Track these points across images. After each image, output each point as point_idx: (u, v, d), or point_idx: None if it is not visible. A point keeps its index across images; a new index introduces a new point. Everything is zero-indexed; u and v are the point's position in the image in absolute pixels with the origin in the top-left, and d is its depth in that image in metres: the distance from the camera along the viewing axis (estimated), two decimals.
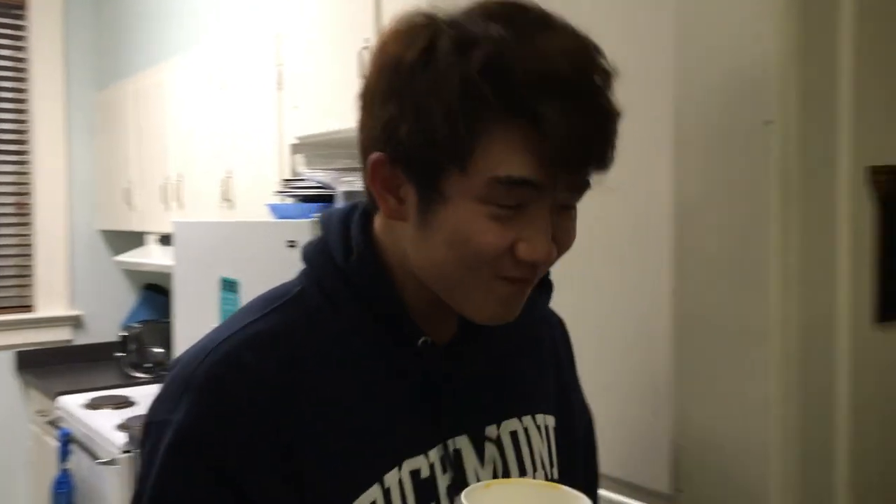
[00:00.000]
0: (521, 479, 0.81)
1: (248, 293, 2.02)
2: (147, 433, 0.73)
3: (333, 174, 2.03)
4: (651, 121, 1.14)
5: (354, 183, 1.97)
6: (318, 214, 0.81)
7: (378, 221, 0.78)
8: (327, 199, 2.02)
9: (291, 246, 1.84)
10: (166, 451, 0.70)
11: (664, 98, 1.13)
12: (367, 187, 0.74)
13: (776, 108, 1.01)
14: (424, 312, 0.76)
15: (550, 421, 0.88)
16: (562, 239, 0.71)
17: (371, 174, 0.71)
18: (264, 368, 0.71)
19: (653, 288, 1.17)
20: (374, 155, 0.70)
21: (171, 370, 0.75)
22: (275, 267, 1.89)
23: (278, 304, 0.77)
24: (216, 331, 0.76)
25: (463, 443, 0.78)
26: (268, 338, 0.73)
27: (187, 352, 0.75)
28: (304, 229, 1.83)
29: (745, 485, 1.05)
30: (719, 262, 1.06)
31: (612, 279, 1.24)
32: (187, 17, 3.43)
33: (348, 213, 0.79)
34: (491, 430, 0.81)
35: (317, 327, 0.75)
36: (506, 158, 0.65)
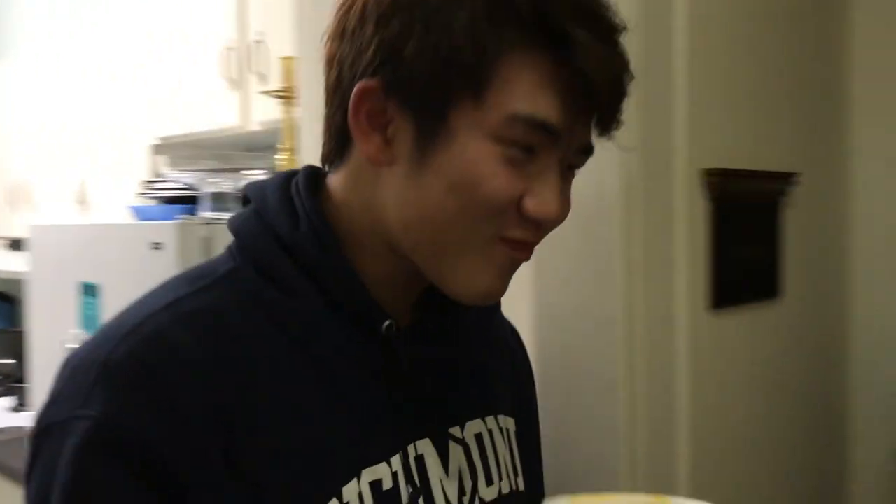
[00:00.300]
0: (616, 495, 0.71)
1: (111, 297, 1.97)
2: (42, 442, 0.57)
3: (199, 175, 2.01)
4: None
5: (221, 184, 1.96)
6: (242, 187, 0.70)
7: (335, 180, 0.66)
8: (191, 201, 2.00)
9: (156, 248, 1.82)
10: (78, 454, 0.54)
11: None
12: (341, 127, 0.62)
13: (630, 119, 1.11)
14: (384, 291, 0.65)
15: (510, 423, 0.78)
16: (563, 204, 0.62)
17: (355, 106, 0.60)
18: (203, 351, 0.58)
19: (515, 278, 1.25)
20: (363, 82, 0.59)
21: (66, 365, 0.60)
22: (138, 270, 1.86)
23: (205, 283, 0.63)
24: (124, 314, 0.61)
25: (425, 448, 0.67)
26: (204, 317, 0.60)
27: (88, 341, 0.61)
28: (169, 231, 1.81)
29: (596, 457, 1.13)
30: (573, 257, 1.15)
31: None
32: (38, 8, 3.27)
33: (286, 178, 0.67)
34: (455, 432, 0.70)
35: (257, 310, 0.61)
36: (529, 94, 0.57)
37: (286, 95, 1.62)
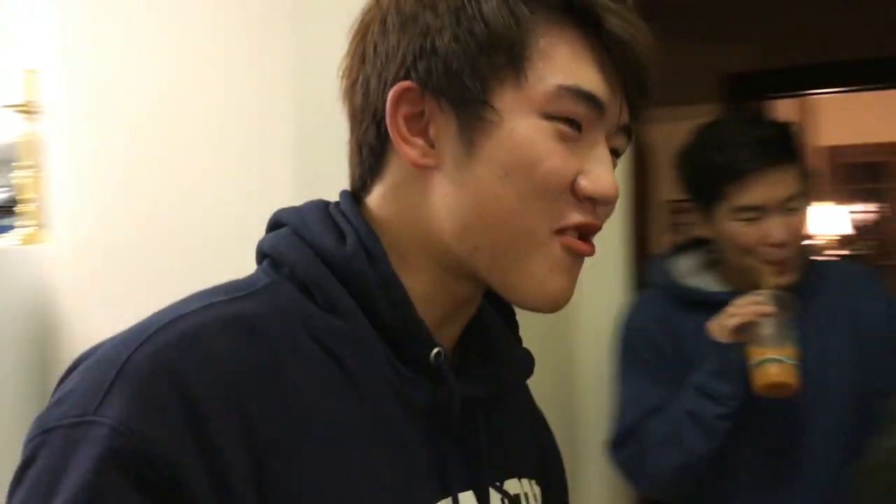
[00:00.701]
0: None
1: None
2: (41, 445, 0.48)
3: None
4: (273, 148, 1.22)
5: None
6: (272, 215, 0.64)
7: (373, 200, 0.61)
8: None
9: None
10: (91, 464, 0.46)
11: (287, 131, 1.24)
12: (375, 144, 0.60)
13: None
14: (430, 317, 0.59)
15: (538, 492, 0.69)
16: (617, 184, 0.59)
17: (392, 113, 0.58)
18: (237, 361, 0.51)
19: None
20: (397, 86, 0.57)
21: (79, 363, 0.52)
22: None
23: (243, 293, 0.56)
24: (149, 317, 0.54)
25: (468, 502, 0.60)
26: (241, 323, 0.53)
27: (106, 340, 0.53)
28: None
29: None
30: None
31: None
32: None
33: (322, 203, 0.63)
34: (498, 488, 0.63)
35: (297, 324, 0.55)
36: (569, 66, 0.56)
37: (28, 110, 1.55)
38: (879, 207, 5.95)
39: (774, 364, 1.24)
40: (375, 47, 0.59)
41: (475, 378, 0.62)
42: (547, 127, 0.56)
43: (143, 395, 0.47)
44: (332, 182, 0.67)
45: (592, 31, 0.57)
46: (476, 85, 0.56)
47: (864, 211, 5.95)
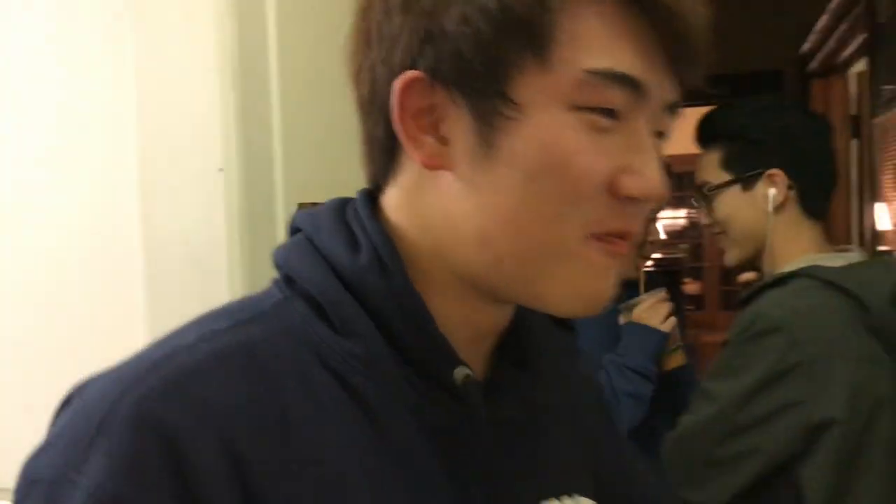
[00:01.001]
0: None
1: None
2: (24, 500, 0.45)
3: None
4: (117, 164, 1.26)
5: None
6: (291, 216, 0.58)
7: (388, 202, 0.54)
8: None
9: None
10: None
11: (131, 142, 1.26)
12: (385, 140, 0.52)
13: (225, 157, 1.23)
14: (454, 336, 0.52)
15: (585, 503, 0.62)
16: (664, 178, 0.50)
17: (400, 107, 0.49)
18: (235, 404, 0.46)
19: (123, 300, 1.30)
20: (401, 78, 0.49)
21: (70, 401, 0.48)
22: None
23: (247, 315, 0.51)
24: (150, 346, 0.49)
25: None
26: (237, 359, 0.47)
27: (102, 373, 0.48)
28: None
29: None
30: (186, 287, 1.24)
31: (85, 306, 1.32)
32: None
33: (340, 203, 0.55)
34: None
35: (305, 351, 0.49)
36: (602, 45, 0.47)
37: None
38: (688, 213, 6.51)
39: (680, 350, 1.61)
40: (379, 29, 0.51)
41: (510, 396, 0.55)
42: (577, 119, 0.47)
43: (124, 454, 0.43)
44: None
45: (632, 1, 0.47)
46: (493, 73, 0.47)
47: (674, 217, 6.51)
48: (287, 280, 0.53)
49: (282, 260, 0.54)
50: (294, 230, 0.56)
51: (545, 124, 0.48)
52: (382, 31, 0.51)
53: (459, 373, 0.51)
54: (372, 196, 0.55)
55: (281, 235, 1.39)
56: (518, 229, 0.49)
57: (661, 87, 0.49)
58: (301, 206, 1.42)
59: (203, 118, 1.23)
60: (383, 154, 0.53)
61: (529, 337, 0.58)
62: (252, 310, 0.51)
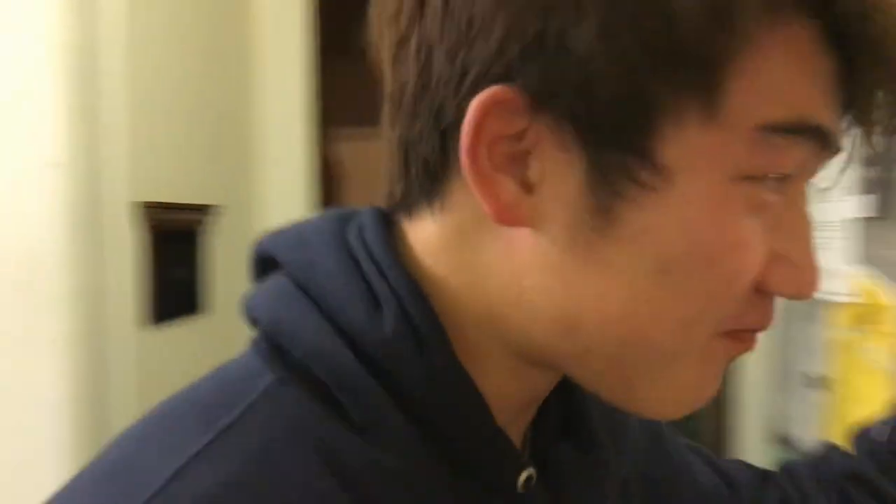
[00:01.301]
0: None
1: None
2: None
3: None
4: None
5: None
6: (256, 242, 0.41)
7: (423, 234, 0.38)
8: None
9: None
10: None
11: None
12: (433, 158, 0.36)
13: (64, 152, 1.21)
14: (505, 413, 0.39)
15: None
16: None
17: (474, 132, 0.34)
18: None
19: None
20: (490, 92, 0.33)
21: None
22: None
23: (230, 419, 0.34)
24: (93, 488, 0.34)
25: None
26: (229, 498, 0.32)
27: (58, 497, 0.34)
28: None
29: None
30: (18, 285, 1.20)
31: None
32: None
33: (338, 225, 0.39)
34: None
35: (319, 466, 0.34)
36: (782, 87, 0.33)
37: None
38: None
39: None
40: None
41: (566, 479, 0.44)
42: (741, 194, 0.34)
43: None
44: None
45: (812, 16, 0.33)
46: (634, 122, 0.33)
47: None
48: (275, 348, 0.37)
49: (264, 315, 0.38)
50: (265, 261, 0.40)
51: (697, 199, 0.34)
52: (450, 6, 0.34)
53: (523, 477, 0.39)
54: (387, 220, 0.39)
55: (122, 233, 1.37)
56: (630, 329, 0.35)
57: (839, 133, 0.36)
58: (147, 205, 1.40)
59: (39, 114, 1.20)
60: (426, 175, 0.37)
61: (573, 393, 0.45)
62: (235, 404, 0.35)
